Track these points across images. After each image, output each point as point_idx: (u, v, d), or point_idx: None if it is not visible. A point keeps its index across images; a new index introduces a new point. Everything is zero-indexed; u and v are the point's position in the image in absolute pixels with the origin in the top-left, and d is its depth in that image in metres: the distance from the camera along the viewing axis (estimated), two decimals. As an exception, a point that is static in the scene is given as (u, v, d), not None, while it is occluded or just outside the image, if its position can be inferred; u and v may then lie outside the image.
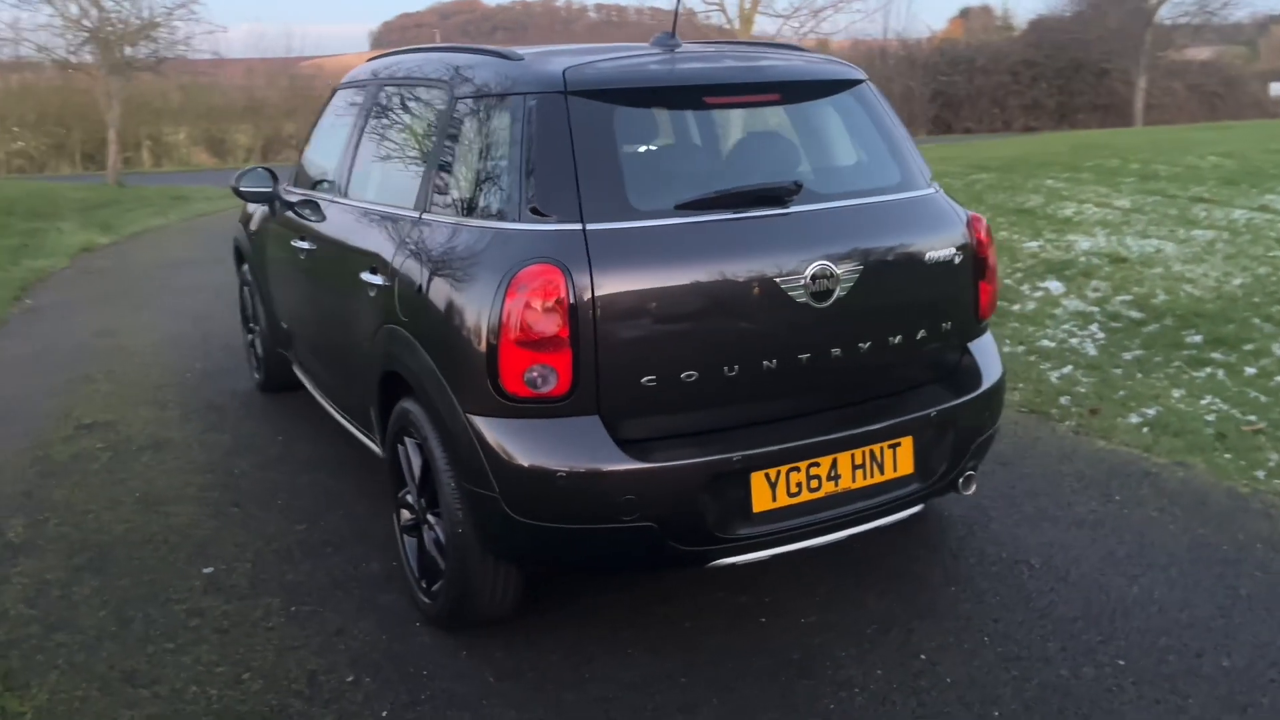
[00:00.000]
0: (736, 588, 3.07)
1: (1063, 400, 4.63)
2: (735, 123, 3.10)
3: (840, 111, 3.01)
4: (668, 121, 2.96)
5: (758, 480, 2.57)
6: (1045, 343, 5.51)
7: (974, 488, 3.01)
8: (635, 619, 2.93)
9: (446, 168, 2.87)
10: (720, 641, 2.82)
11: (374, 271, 3.00)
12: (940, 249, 2.86)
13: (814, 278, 2.59)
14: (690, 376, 2.51)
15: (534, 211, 2.51)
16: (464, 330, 2.52)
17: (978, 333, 3.06)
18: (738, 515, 2.57)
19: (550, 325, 2.40)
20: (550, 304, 2.39)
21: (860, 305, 2.70)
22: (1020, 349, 5.43)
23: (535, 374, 2.42)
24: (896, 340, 2.79)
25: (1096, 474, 3.86)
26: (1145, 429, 4.27)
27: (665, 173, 2.81)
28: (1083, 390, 4.76)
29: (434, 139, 2.97)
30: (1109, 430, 4.27)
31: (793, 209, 2.65)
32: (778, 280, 2.56)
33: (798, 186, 2.66)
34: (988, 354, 3.08)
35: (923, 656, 2.74)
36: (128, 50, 15.79)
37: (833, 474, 2.67)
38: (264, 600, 3.10)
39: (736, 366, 2.56)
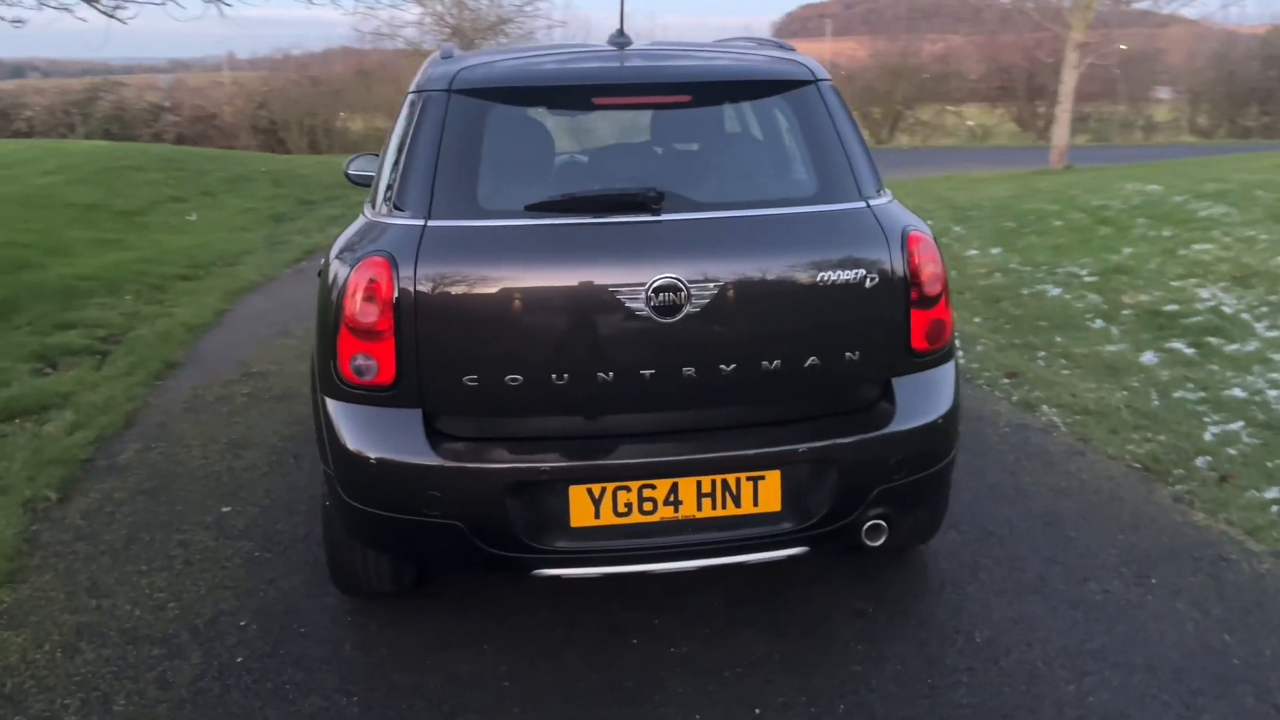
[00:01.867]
0: (638, 605, 2.97)
1: (1197, 462, 3.90)
2: (637, 125, 2.96)
3: (766, 116, 2.78)
4: (555, 123, 2.89)
5: (577, 494, 2.49)
6: (1234, 391, 4.64)
7: (882, 540, 2.69)
8: (515, 617, 2.93)
9: (383, 166, 3.02)
10: (576, 654, 2.76)
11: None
12: (845, 269, 2.57)
13: (657, 291, 2.44)
14: (515, 381, 2.48)
15: (395, 206, 2.60)
16: (324, 315, 2.66)
17: (909, 367, 2.70)
18: (554, 527, 2.50)
19: (372, 316, 2.47)
20: (373, 295, 2.47)
21: (720, 324, 2.50)
22: (1196, 394, 4.62)
23: (360, 362, 2.51)
24: (773, 366, 2.55)
25: (1153, 550, 3.25)
26: (1275, 508, 3.51)
27: (529, 173, 2.76)
28: (1233, 452, 3.99)
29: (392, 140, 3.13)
30: (1224, 503, 3.56)
31: (647, 218, 2.51)
32: (616, 291, 2.44)
33: (658, 195, 2.51)
34: (920, 393, 2.71)
35: (756, 710, 2.51)
36: (480, 44, 17.44)
37: (671, 499, 2.52)
38: (242, 544, 3.45)
39: (567, 375, 2.48)
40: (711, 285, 2.48)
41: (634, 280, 2.44)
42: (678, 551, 2.55)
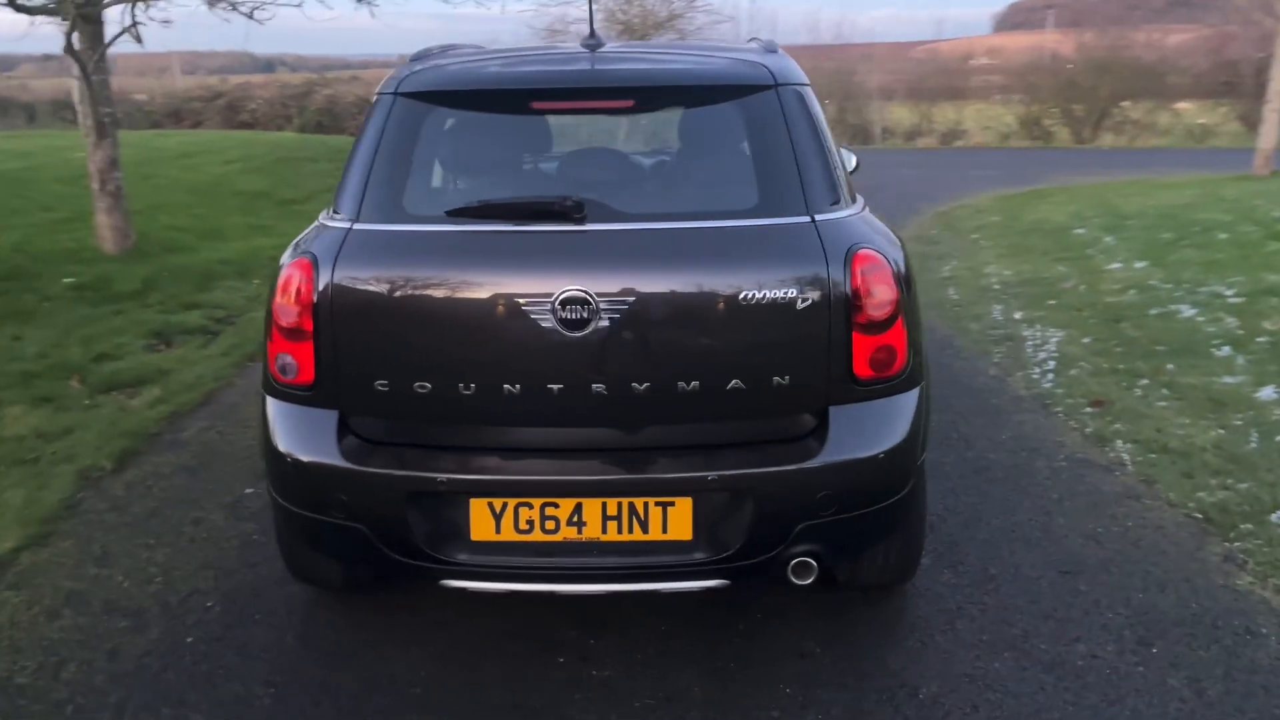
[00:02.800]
0: (581, 624, 2.89)
1: (1272, 517, 3.44)
2: (597, 131, 2.84)
3: (716, 122, 2.63)
4: (497, 126, 2.81)
5: (478, 507, 2.44)
6: (1353, 438, 4.07)
7: (811, 579, 2.51)
8: (462, 624, 2.91)
9: None
10: (497, 668, 2.71)
11: None
12: (775, 288, 2.40)
13: (564, 303, 2.36)
14: (424, 388, 2.45)
15: (334, 209, 2.62)
16: (265, 313, 2.72)
17: (850, 396, 2.50)
18: (455, 539, 2.47)
19: (292, 316, 2.50)
20: (294, 296, 2.50)
21: (632, 341, 2.39)
22: (1304, 440, 4.08)
23: (284, 361, 2.55)
24: (691, 387, 2.42)
25: (1171, 613, 2.89)
26: (1344, 575, 3.06)
27: (461, 179, 2.70)
28: (1322, 508, 3.50)
29: None
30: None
31: (568, 227, 2.42)
32: (523, 302, 2.37)
33: (576, 204, 2.42)
34: (861, 424, 2.50)
35: (645, 748, 2.40)
36: (653, 39, 17.54)
37: (575, 520, 2.43)
38: (248, 526, 3.59)
39: (473, 386, 2.44)
40: (624, 300, 2.37)
41: (542, 291, 2.37)
42: (582, 574, 2.47)
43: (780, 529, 2.44)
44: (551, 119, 2.74)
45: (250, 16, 7.25)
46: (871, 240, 2.52)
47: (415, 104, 2.61)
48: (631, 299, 2.38)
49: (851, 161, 4.38)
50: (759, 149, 2.56)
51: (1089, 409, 4.56)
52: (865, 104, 25.35)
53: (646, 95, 2.65)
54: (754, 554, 2.46)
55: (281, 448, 2.57)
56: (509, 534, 2.44)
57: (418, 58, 2.92)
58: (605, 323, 2.37)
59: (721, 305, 2.40)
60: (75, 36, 6.67)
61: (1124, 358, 5.29)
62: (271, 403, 2.64)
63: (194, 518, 3.64)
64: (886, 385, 2.54)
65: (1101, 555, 3.24)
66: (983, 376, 5.11)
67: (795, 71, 2.75)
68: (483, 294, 2.41)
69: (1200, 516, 3.49)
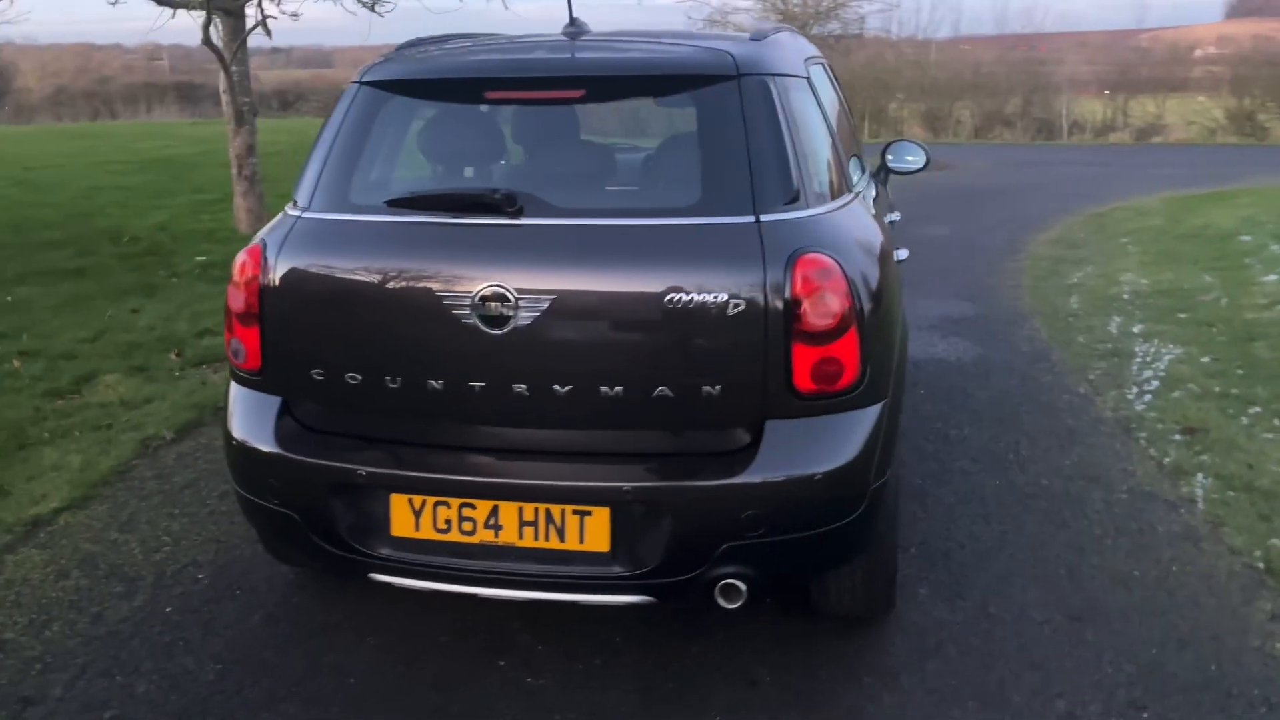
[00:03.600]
0: (536, 628, 2.82)
1: (1356, 574, 3.01)
2: (541, 120, 2.71)
3: (670, 113, 2.49)
4: (452, 116, 2.72)
5: (398, 503, 2.40)
6: None
7: (739, 603, 2.34)
8: (425, 617, 2.89)
9: None
10: (434, 666, 2.68)
11: None
12: (707, 292, 2.24)
13: (483, 299, 2.29)
14: (354, 379, 2.43)
15: (294, 198, 2.64)
16: None
17: (790, 410, 2.31)
18: (377, 533, 2.44)
19: (240, 302, 2.53)
20: (243, 282, 2.53)
21: (553, 341, 2.29)
22: None
23: (235, 346, 2.59)
24: (614, 392, 2.30)
25: (1182, 675, 2.56)
26: None
27: (409, 168, 2.64)
28: None
29: None
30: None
31: (499, 221, 2.34)
32: (444, 296, 2.32)
33: (507, 197, 2.34)
34: (801, 441, 2.32)
35: (548, 765, 2.30)
36: (814, 29, 17.15)
37: (492, 522, 2.36)
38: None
39: (399, 379, 2.40)
40: (545, 299, 2.28)
41: (464, 287, 2.30)
42: (500, 579, 2.39)
43: (701, 548, 2.29)
44: (513, 108, 2.66)
45: (372, 9, 7.50)
46: (823, 244, 2.33)
47: (376, 93, 2.60)
48: (553, 297, 2.28)
49: (917, 161, 4.12)
50: (708, 143, 2.41)
51: (1178, 436, 4.11)
52: (1054, 96, 24.01)
53: (598, 85, 2.53)
54: (674, 572, 2.32)
55: (230, 430, 2.61)
56: (428, 532, 2.40)
57: (405, 46, 2.91)
58: (525, 321, 2.28)
59: (649, 308, 2.26)
60: (213, 30, 7.05)
61: (1242, 381, 4.75)
62: (231, 386, 2.69)
63: (222, 491, 3.78)
64: (833, 401, 2.34)
65: (1125, 602, 2.90)
66: (1069, 395, 4.70)
67: (770, 61, 2.57)
68: (409, 287, 2.36)
69: (1262, 567, 3.08)
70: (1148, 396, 4.61)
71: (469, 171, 2.62)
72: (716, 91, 2.43)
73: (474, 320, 2.30)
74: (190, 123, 19.86)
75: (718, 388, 2.29)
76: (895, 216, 3.85)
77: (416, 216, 2.42)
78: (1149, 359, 5.18)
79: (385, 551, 2.44)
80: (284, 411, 2.55)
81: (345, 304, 2.44)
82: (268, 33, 7.11)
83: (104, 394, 4.84)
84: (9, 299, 6.25)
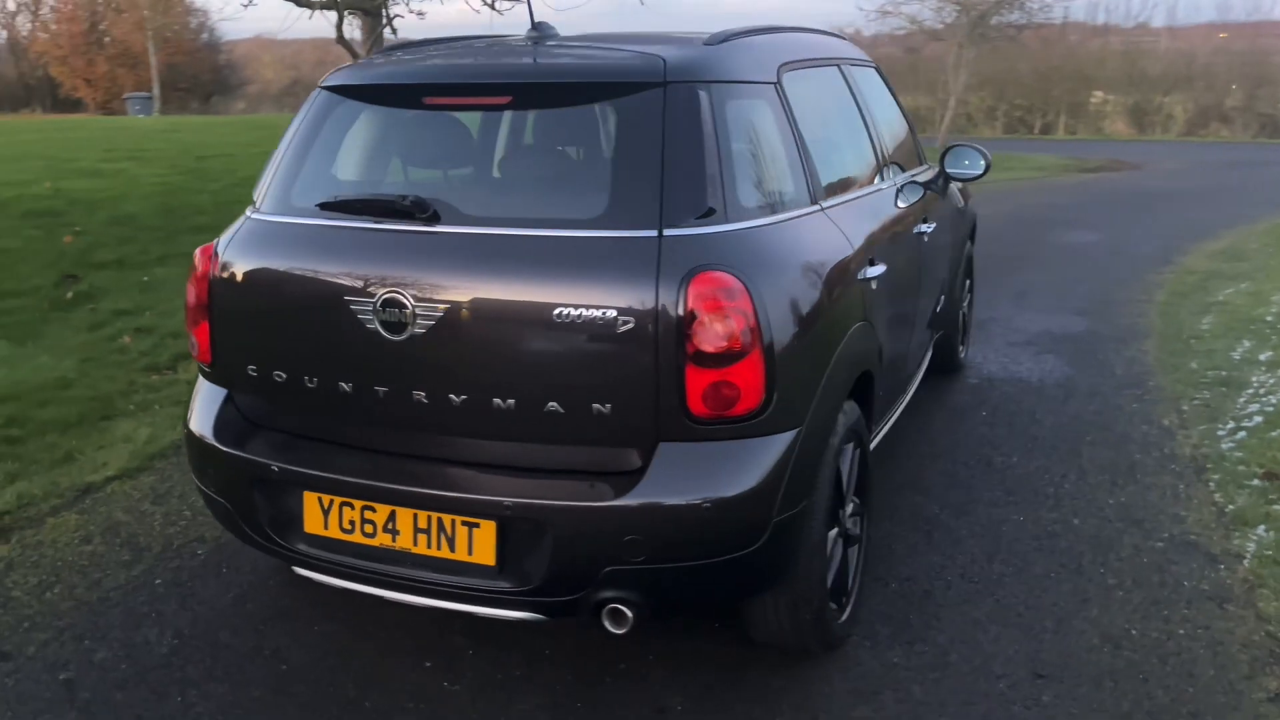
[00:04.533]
0: (478, 633, 2.83)
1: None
2: (463, 126, 2.66)
3: (593, 121, 2.41)
4: (394, 121, 2.70)
5: (310, 500, 2.45)
6: None
7: (626, 628, 2.27)
8: (377, 613, 2.93)
9: None
10: (370, 665, 2.72)
11: None
12: (598, 308, 2.18)
13: (384, 305, 2.30)
14: (280, 377, 2.50)
15: (253, 199, 2.74)
16: None
17: (684, 434, 2.21)
18: (293, 528, 2.50)
19: (192, 296, 2.65)
20: (194, 278, 2.65)
21: (449, 350, 2.29)
22: None
23: (192, 339, 2.71)
24: (506, 405, 2.26)
25: (1134, 754, 2.29)
26: None
27: (346, 172, 2.64)
28: None
29: None
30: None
31: (410, 228, 2.35)
32: (351, 301, 2.34)
33: (417, 203, 2.34)
34: (692, 466, 2.21)
35: (423, 773, 2.30)
36: (994, 19, 16.30)
37: (390, 527, 2.37)
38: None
39: (316, 380, 2.45)
40: (440, 306, 2.27)
41: (369, 292, 2.33)
42: (399, 583, 2.40)
43: (583, 570, 2.23)
44: (446, 115, 2.65)
45: (492, 7, 7.67)
46: (734, 261, 2.21)
47: (331, 97, 2.66)
48: (448, 306, 2.27)
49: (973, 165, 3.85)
50: (623, 152, 2.33)
51: (1256, 481, 3.68)
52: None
53: (524, 92, 2.49)
54: (557, 592, 2.27)
55: (186, 420, 2.74)
56: (335, 531, 2.44)
57: (389, 49, 2.96)
58: (421, 329, 2.29)
59: (542, 322, 2.22)
60: (345, 27, 7.40)
61: (1359, 423, 4.20)
62: (198, 378, 2.82)
63: (256, 471, 3.97)
64: (732, 427, 2.23)
65: (1106, 664, 2.63)
66: (1149, 426, 4.29)
67: (712, 68, 2.46)
68: (323, 289, 2.41)
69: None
70: (1240, 434, 4.14)
71: (398, 176, 2.64)
72: (638, 99, 2.35)
73: (376, 325, 2.32)
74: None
75: (608, 406, 2.22)
76: (926, 228, 3.61)
77: (336, 220, 2.46)
78: (1262, 391, 4.66)
79: (302, 547, 2.50)
80: (227, 404, 2.65)
81: (273, 304, 2.51)
82: (393, 31, 7.40)
83: (195, 372, 5.17)
84: (145, 279, 6.77)
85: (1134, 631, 2.77)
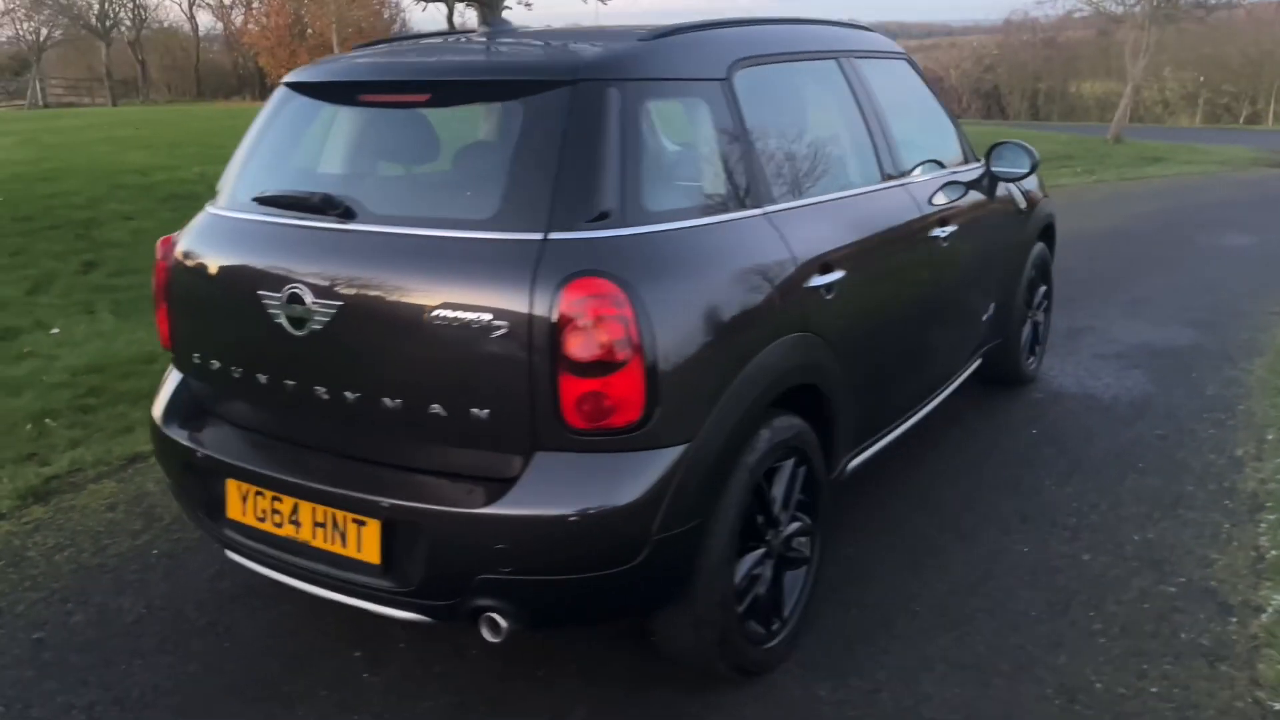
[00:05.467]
0: (414, 628, 2.85)
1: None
2: (387, 122, 2.63)
3: (503, 119, 2.36)
4: (334, 118, 2.68)
5: (232, 487, 2.52)
6: None
7: (500, 638, 2.23)
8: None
9: None
10: (305, 649, 2.79)
11: None
12: (474, 311, 2.14)
13: (289, 300, 2.34)
14: (214, 365, 2.59)
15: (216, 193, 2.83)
16: None
17: (562, 444, 2.14)
18: (220, 513, 2.58)
19: (155, 285, 2.78)
20: (156, 269, 2.76)
21: (342, 347, 2.30)
22: None
23: (157, 327, 2.84)
24: (394, 405, 2.26)
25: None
26: None
27: (285, 167, 2.65)
28: None
29: None
30: None
31: (322, 224, 2.37)
32: (263, 295, 2.39)
33: (324, 200, 2.36)
34: (566, 478, 2.14)
35: (306, 762, 2.33)
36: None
37: (295, 518, 2.41)
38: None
39: (240, 370, 2.52)
40: (335, 304, 2.29)
41: (275, 287, 2.37)
42: (301, 573, 2.44)
43: (457, 575, 2.20)
44: (374, 111, 2.65)
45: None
46: (623, 267, 2.13)
47: (287, 94, 2.71)
48: (342, 304, 2.29)
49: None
50: (523, 152, 2.27)
51: (1317, 525, 3.27)
52: None
53: (442, 89, 2.45)
54: (433, 596, 2.25)
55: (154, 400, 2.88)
56: (251, 519, 2.50)
57: (357, 47, 2.99)
58: (319, 326, 2.31)
59: (426, 323, 2.20)
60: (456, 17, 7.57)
61: None
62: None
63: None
64: (610, 439, 2.15)
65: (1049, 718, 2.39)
66: (1216, 455, 3.88)
67: (635, 65, 2.37)
68: (246, 283, 2.46)
69: (1277, 709, 2.40)
70: (1319, 466, 3.69)
71: (330, 171, 2.66)
72: (545, 98, 2.29)
73: (283, 320, 2.36)
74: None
75: (487, 412, 2.18)
76: (944, 231, 3.37)
77: (263, 215, 2.52)
78: (1372, 422, 4.13)
79: (228, 532, 2.58)
80: (181, 388, 2.77)
81: (210, 294, 2.60)
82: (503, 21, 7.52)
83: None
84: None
85: (1098, 685, 2.51)
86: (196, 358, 2.65)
